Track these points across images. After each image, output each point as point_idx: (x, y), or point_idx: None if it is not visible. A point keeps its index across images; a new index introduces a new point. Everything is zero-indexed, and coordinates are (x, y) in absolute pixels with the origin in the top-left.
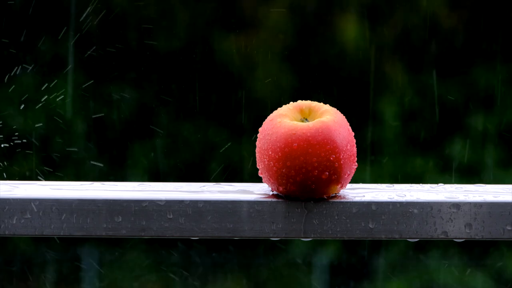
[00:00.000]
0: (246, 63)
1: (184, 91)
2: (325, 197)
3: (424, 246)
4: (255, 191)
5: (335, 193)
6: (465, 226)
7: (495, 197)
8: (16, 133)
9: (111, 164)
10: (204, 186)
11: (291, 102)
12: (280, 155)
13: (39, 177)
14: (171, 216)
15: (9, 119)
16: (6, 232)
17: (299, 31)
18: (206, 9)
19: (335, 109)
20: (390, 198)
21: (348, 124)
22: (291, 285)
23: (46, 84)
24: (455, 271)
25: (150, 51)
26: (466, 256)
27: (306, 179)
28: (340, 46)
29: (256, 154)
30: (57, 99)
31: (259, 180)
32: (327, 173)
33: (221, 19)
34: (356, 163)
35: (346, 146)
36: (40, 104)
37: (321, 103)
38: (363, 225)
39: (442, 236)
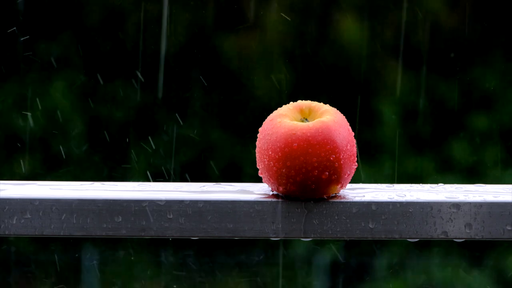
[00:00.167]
0: (246, 63)
1: (184, 91)
2: (325, 197)
3: (424, 246)
4: (255, 191)
5: (335, 193)
6: (465, 226)
7: (495, 197)
8: (16, 133)
9: (111, 164)
10: (204, 186)
11: (291, 102)
12: (280, 155)
13: (39, 177)
14: (171, 216)
15: (9, 118)
16: (6, 232)
17: (299, 31)
18: (207, 9)
19: (335, 109)
20: (390, 198)
21: (348, 124)
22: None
23: (46, 84)
24: (455, 271)
25: (150, 50)
26: (466, 256)
27: (306, 179)
28: (340, 46)
29: (256, 154)
30: (57, 99)
31: (259, 180)
32: (327, 173)
33: (222, 19)
34: (356, 163)
35: (346, 146)
36: (40, 104)
37: (321, 103)
38: (363, 225)
39: (442, 236)
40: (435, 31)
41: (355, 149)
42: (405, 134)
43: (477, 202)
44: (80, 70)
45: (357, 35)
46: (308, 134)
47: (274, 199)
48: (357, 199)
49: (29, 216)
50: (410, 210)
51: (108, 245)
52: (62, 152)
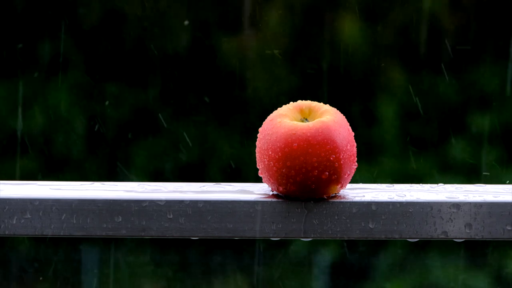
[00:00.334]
0: (246, 63)
1: (184, 91)
2: (325, 197)
3: (424, 246)
4: (255, 191)
5: (335, 193)
6: (465, 226)
7: (495, 197)
8: (16, 133)
9: (111, 164)
10: (204, 186)
11: (291, 102)
12: (280, 155)
13: (39, 177)
14: (171, 216)
15: (9, 118)
16: (6, 232)
17: (299, 31)
18: (207, 9)
19: (335, 109)
20: (390, 198)
21: (348, 124)
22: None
23: (46, 84)
24: (455, 271)
25: (150, 51)
26: (466, 256)
27: (306, 179)
28: (340, 46)
29: (256, 154)
30: (57, 99)
31: (259, 180)
32: (327, 173)
33: (222, 19)
34: (356, 163)
35: (346, 146)
36: (40, 104)
37: (321, 103)
38: (363, 225)
39: (442, 236)
40: (435, 31)
41: (355, 149)
42: (405, 134)
43: (477, 202)
44: (80, 70)
45: (357, 35)
46: (308, 134)
47: (274, 199)
48: (357, 199)
49: (29, 216)
50: (410, 210)
51: (108, 245)
52: (62, 152)
